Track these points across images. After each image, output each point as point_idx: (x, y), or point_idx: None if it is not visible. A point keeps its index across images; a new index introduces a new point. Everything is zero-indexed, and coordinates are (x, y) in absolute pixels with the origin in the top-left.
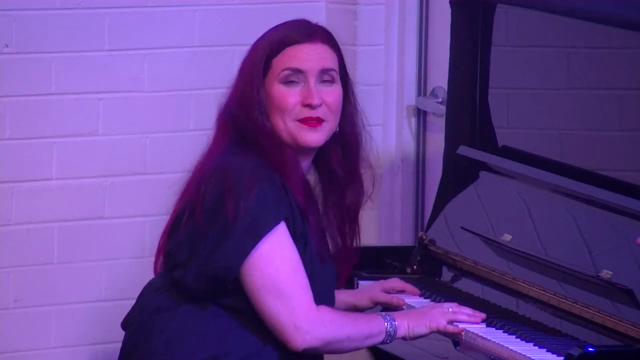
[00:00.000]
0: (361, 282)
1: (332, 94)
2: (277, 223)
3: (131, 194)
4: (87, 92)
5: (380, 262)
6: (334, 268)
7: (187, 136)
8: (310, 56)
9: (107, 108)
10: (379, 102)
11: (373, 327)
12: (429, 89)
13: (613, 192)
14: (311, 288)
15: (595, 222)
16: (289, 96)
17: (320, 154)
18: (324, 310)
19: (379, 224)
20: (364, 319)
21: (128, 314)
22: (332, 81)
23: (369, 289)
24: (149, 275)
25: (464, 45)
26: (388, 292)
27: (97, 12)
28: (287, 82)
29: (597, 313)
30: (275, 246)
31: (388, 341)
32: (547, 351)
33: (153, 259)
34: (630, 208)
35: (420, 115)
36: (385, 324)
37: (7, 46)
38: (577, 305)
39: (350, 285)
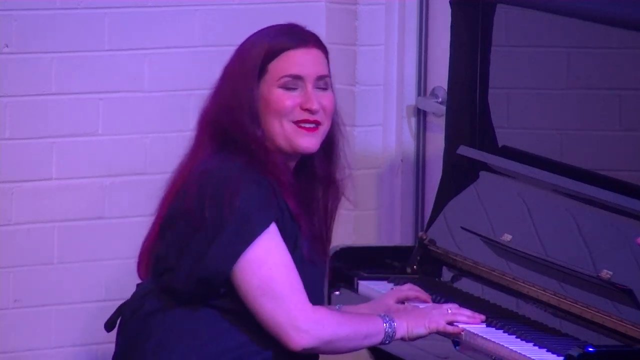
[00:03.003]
0: (361, 282)
1: (328, 98)
2: (267, 225)
3: (131, 194)
4: (87, 92)
5: (380, 262)
6: (324, 271)
7: (187, 136)
8: (307, 61)
9: (107, 108)
10: (379, 102)
11: (371, 327)
12: (429, 89)
13: (613, 192)
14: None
15: (595, 222)
16: (288, 99)
17: (304, 158)
18: (321, 309)
19: (379, 224)
20: (362, 318)
21: (113, 315)
22: (326, 88)
23: (382, 301)
24: None
25: (464, 46)
26: (402, 302)
27: (97, 12)
28: (287, 87)
29: (597, 313)
30: (268, 248)
31: (387, 342)
32: (547, 351)
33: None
34: (630, 208)
35: (420, 115)
36: (385, 324)
37: (7, 46)
38: (577, 305)
39: (350, 284)
